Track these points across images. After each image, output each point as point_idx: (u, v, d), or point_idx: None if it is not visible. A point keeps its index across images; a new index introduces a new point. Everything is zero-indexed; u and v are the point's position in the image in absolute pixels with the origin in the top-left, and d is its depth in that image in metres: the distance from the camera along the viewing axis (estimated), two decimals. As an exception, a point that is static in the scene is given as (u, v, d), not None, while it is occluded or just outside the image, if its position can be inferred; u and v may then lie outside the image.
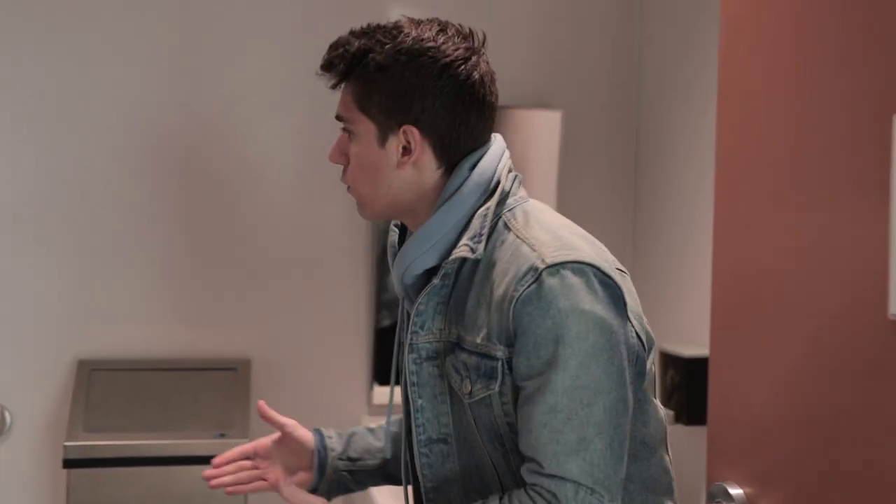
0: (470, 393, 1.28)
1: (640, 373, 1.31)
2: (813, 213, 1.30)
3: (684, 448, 2.58)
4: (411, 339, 1.33)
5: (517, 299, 1.22)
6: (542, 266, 1.23)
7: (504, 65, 2.90)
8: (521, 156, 2.70)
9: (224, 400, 2.52)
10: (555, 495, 1.21)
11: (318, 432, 1.53)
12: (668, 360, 2.46)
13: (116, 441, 2.40)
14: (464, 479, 1.34)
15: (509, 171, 1.36)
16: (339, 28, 1.41)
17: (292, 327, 2.67)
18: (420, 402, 1.34)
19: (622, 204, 2.88)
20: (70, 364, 2.55)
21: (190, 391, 2.54)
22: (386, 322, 2.71)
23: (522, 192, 1.36)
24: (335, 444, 1.53)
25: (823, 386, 1.29)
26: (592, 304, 1.22)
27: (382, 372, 2.71)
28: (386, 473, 1.54)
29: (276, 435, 1.53)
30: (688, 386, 2.40)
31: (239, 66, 2.63)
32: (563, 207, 2.75)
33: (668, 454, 1.40)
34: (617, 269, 1.32)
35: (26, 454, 2.54)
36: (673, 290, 2.69)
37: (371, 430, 1.57)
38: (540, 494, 1.22)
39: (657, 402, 1.39)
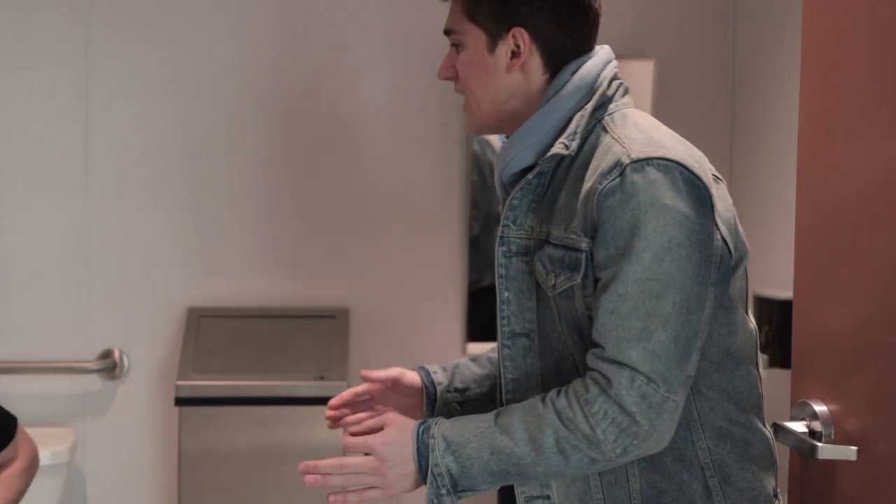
0: (554, 286, 1.30)
1: (723, 277, 1.31)
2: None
3: (783, 393, 2.54)
4: (502, 231, 1.36)
5: (601, 192, 1.25)
6: (626, 161, 1.25)
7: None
8: (614, 107, 2.70)
9: (324, 346, 2.62)
10: (608, 380, 1.22)
11: (423, 369, 1.55)
12: (763, 305, 2.43)
13: (224, 381, 2.52)
14: (543, 375, 1.36)
15: (614, 78, 1.38)
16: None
17: (390, 280, 2.75)
18: (506, 294, 1.36)
19: (717, 154, 2.83)
20: (181, 312, 2.69)
21: (292, 337, 2.65)
22: (483, 283, 2.75)
23: (626, 100, 1.38)
24: (441, 377, 1.54)
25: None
26: (675, 200, 1.23)
27: (476, 330, 2.75)
28: (493, 399, 1.53)
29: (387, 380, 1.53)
30: (783, 330, 2.37)
31: (339, 25, 2.71)
32: (657, 159, 2.74)
33: (757, 370, 1.39)
34: (713, 175, 1.33)
35: (142, 393, 2.69)
36: (769, 238, 2.65)
37: (474, 360, 1.58)
38: (595, 381, 1.23)
39: (749, 316, 1.38)
